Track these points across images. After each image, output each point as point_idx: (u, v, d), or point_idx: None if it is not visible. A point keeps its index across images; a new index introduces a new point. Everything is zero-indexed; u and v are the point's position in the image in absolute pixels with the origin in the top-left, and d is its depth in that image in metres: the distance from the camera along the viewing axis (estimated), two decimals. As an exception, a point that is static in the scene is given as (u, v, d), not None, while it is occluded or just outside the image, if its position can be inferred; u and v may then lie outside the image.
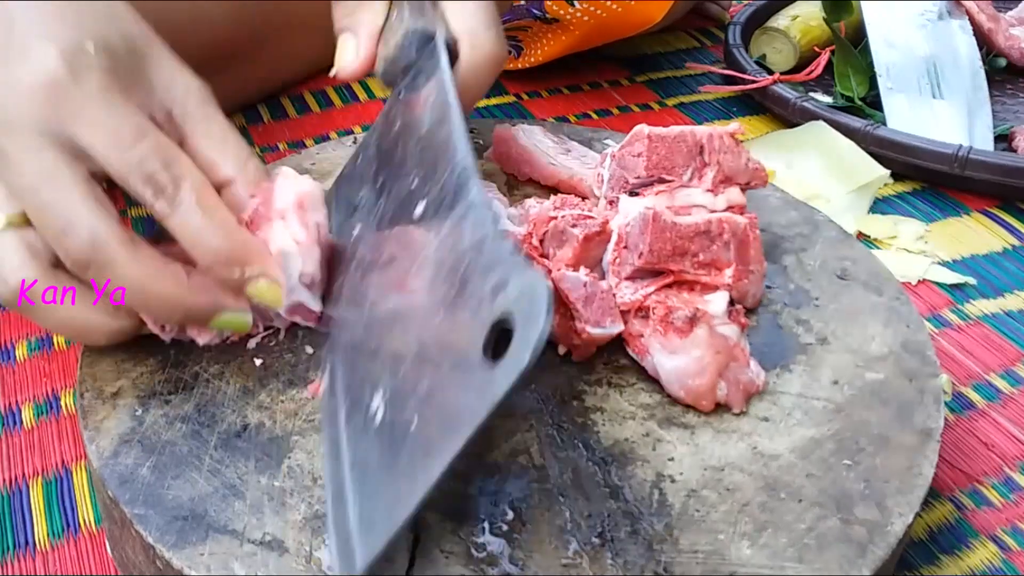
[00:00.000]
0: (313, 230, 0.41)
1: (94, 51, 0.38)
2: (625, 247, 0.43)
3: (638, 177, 0.45)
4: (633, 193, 0.45)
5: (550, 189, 0.53)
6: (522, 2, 0.74)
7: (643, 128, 0.45)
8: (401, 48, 0.44)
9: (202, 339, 0.42)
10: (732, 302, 0.43)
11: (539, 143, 0.54)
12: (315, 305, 0.42)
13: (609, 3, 0.72)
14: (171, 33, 0.64)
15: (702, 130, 0.45)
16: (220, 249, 0.38)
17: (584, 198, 0.49)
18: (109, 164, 0.37)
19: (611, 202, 0.46)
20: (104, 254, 0.37)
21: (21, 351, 0.53)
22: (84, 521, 0.44)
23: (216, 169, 0.41)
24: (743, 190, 0.46)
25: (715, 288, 0.42)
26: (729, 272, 0.43)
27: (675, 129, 0.45)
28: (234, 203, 0.41)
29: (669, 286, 0.42)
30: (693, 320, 0.40)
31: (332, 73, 0.47)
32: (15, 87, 0.37)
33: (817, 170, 0.69)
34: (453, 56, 0.45)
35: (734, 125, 0.46)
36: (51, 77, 0.37)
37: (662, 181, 0.45)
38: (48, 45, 0.37)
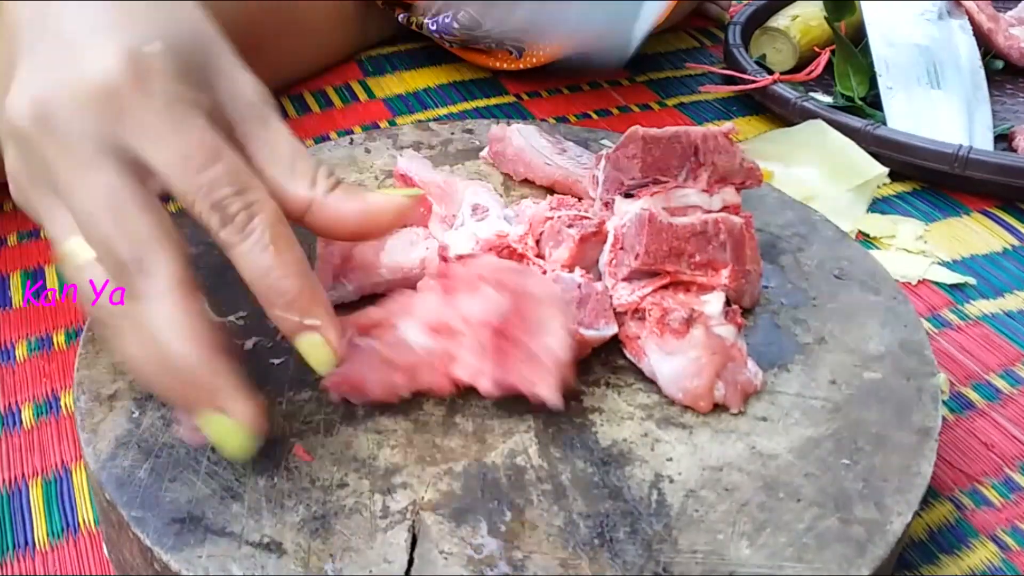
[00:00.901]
0: None
1: (161, 53, 0.33)
2: (621, 248, 0.43)
3: (633, 179, 0.45)
4: (628, 195, 0.45)
5: (546, 189, 0.53)
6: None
7: (637, 130, 0.45)
8: None
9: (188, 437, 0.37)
10: (728, 302, 0.43)
11: (535, 143, 0.54)
12: None
13: None
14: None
15: (696, 130, 0.45)
16: (286, 293, 0.34)
17: (580, 199, 0.49)
18: (174, 186, 0.33)
19: (606, 204, 0.46)
20: (145, 304, 0.33)
21: (21, 351, 0.53)
22: (84, 521, 0.44)
23: (282, 189, 0.36)
24: (738, 190, 0.46)
25: (711, 289, 0.42)
26: (726, 273, 0.42)
27: (669, 130, 0.45)
28: (313, 225, 0.37)
29: (665, 287, 0.42)
30: (689, 321, 0.40)
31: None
32: (69, 95, 0.32)
33: (815, 168, 0.69)
34: None
35: (728, 125, 0.46)
36: (112, 82, 0.32)
37: (657, 182, 0.45)
38: (108, 44, 0.33)
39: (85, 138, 0.32)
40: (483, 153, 0.56)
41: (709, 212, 0.44)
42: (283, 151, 0.36)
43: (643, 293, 0.42)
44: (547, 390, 0.37)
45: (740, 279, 0.43)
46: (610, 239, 0.43)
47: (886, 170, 0.68)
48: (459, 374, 0.38)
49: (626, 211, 0.43)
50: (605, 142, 0.58)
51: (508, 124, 0.57)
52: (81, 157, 0.32)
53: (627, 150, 0.45)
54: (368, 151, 0.57)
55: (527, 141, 0.54)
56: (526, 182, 0.54)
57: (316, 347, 0.35)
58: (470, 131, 0.59)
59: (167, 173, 0.33)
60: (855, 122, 0.71)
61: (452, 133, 0.59)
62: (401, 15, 0.82)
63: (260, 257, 0.34)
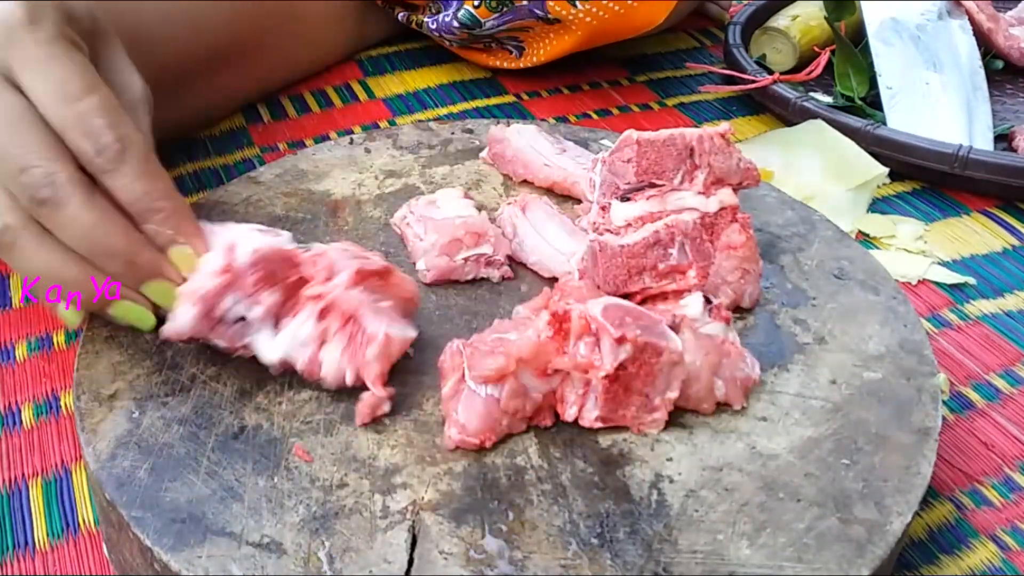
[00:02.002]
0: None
1: (54, 7, 0.38)
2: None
3: (628, 183, 0.45)
4: (625, 199, 0.45)
5: (546, 190, 0.53)
6: (524, 2, 0.74)
7: (632, 134, 0.45)
8: None
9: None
10: (709, 300, 0.42)
11: (534, 144, 0.54)
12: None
13: (611, 4, 0.72)
14: (171, 33, 0.64)
15: (692, 132, 0.45)
16: (160, 211, 0.39)
17: (579, 201, 0.49)
18: (50, 116, 0.37)
19: (603, 208, 0.46)
20: (59, 193, 0.37)
21: (21, 351, 0.53)
22: (83, 521, 0.44)
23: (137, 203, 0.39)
24: (735, 190, 0.45)
25: (685, 292, 0.42)
26: (692, 274, 0.42)
27: (664, 132, 0.45)
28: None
29: (643, 302, 0.42)
30: (674, 328, 0.40)
31: None
32: None
33: (816, 168, 0.69)
34: None
35: (724, 125, 0.46)
36: (8, 19, 0.37)
37: (653, 186, 0.45)
38: None
39: None
40: (483, 154, 0.56)
41: (706, 214, 0.44)
42: (147, 168, 0.40)
43: None
44: (655, 428, 0.39)
45: (707, 275, 0.42)
46: (576, 275, 0.43)
47: (886, 170, 0.68)
48: (567, 416, 0.39)
49: (580, 248, 0.43)
50: (605, 142, 0.58)
51: (508, 124, 0.57)
52: None
53: (622, 154, 0.45)
54: (368, 151, 0.57)
55: (526, 142, 0.54)
56: (525, 183, 0.54)
57: (165, 289, 0.40)
58: (470, 131, 0.59)
59: (45, 102, 0.37)
60: (855, 122, 0.71)
61: (452, 133, 0.59)
62: (401, 14, 0.82)
63: (136, 184, 0.38)
